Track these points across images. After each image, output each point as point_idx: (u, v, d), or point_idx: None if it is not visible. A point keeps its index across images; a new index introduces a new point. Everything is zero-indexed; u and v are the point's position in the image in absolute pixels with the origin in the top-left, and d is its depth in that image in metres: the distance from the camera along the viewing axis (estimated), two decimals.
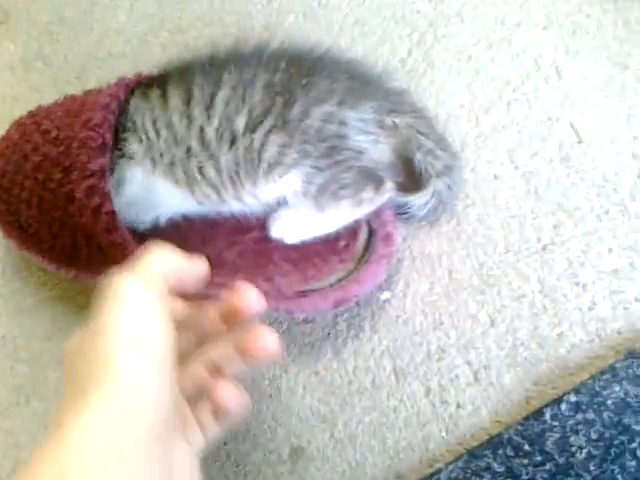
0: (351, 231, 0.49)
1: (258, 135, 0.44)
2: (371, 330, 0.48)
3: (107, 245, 0.44)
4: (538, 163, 0.50)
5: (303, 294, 0.47)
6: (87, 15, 0.71)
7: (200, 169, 0.45)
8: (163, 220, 0.50)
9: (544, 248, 0.48)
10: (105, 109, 0.45)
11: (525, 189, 0.50)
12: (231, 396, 0.33)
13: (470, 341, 0.46)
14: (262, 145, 0.44)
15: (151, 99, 0.47)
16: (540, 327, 0.46)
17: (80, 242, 0.47)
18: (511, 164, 0.51)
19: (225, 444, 0.47)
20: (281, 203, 0.48)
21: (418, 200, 0.48)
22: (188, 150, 0.45)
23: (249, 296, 0.34)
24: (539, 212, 0.49)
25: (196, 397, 0.35)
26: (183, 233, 0.51)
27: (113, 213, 0.43)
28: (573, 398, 0.41)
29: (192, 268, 0.34)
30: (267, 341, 0.33)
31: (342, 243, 0.49)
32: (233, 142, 0.45)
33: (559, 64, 0.54)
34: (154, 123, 0.46)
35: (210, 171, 0.45)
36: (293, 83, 0.45)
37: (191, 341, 0.36)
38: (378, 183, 0.46)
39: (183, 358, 0.34)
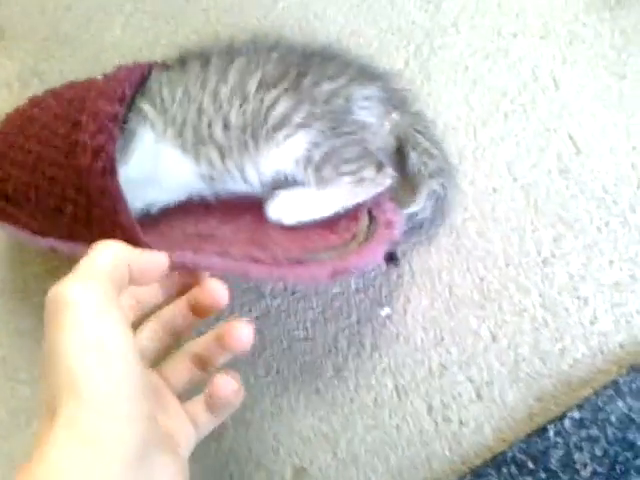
0: (351, 215, 0.47)
1: (270, 96, 0.46)
2: (372, 347, 0.47)
3: (97, 193, 0.43)
4: (537, 175, 0.50)
5: (299, 263, 0.44)
6: (83, 30, 0.71)
7: (209, 126, 0.47)
8: (155, 208, 0.50)
9: (544, 261, 0.47)
10: (130, 71, 0.49)
11: (524, 201, 0.49)
12: (228, 386, 0.34)
13: (472, 357, 0.45)
14: (272, 104, 0.46)
15: (170, 69, 0.51)
16: (542, 342, 0.45)
17: (67, 200, 0.45)
18: (510, 176, 0.50)
19: (227, 465, 0.47)
20: (278, 184, 0.48)
21: (416, 207, 0.48)
22: (200, 108, 0.47)
23: (218, 294, 0.36)
24: (539, 225, 0.48)
25: (186, 391, 0.36)
26: (173, 213, 0.51)
27: (112, 156, 0.43)
28: (576, 414, 0.41)
29: (148, 259, 0.33)
30: (242, 333, 0.34)
31: (342, 225, 0.47)
32: (244, 101, 0.46)
33: (556, 74, 0.53)
34: (170, 86, 0.48)
35: (218, 129, 0.46)
36: (307, 61, 0.49)
37: (161, 336, 0.36)
38: (380, 165, 0.47)
39: (160, 354, 0.36)
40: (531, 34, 0.55)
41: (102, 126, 0.43)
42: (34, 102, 0.52)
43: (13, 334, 0.57)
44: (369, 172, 0.46)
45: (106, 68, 0.69)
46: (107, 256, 0.31)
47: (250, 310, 0.51)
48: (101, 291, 0.28)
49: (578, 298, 0.45)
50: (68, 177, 0.45)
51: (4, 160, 0.48)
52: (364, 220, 0.48)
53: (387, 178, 0.47)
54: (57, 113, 0.48)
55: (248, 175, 0.48)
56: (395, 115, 0.50)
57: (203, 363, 0.36)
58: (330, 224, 0.47)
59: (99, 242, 0.32)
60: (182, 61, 0.52)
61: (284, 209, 0.47)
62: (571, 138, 0.50)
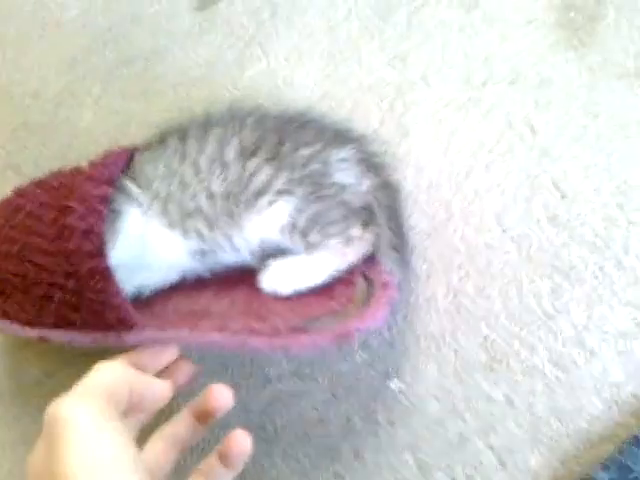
0: (347, 281, 0.47)
1: (251, 164, 0.47)
2: (387, 423, 0.46)
3: (87, 276, 0.42)
4: (526, 225, 0.49)
5: (300, 330, 0.44)
6: (52, 117, 0.69)
7: (193, 198, 0.47)
8: (147, 289, 0.49)
9: (546, 314, 0.46)
10: (117, 155, 0.49)
11: (517, 254, 0.48)
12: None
13: (489, 423, 0.44)
14: (253, 172, 0.46)
15: (149, 146, 0.51)
16: (556, 400, 0.44)
17: (56, 286, 0.44)
18: (499, 228, 0.50)
19: None
20: (268, 253, 0.47)
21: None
22: (182, 181, 0.47)
23: (222, 397, 0.36)
24: (535, 276, 0.47)
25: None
26: (165, 294, 0.50)
27: (102, 237, 0.43)
28: (605, 477, 0.40)
29: (150, 386, 0.33)
30: (243, 445, 0.35)
31: (339, 290, 0.47)
32: (224, 168, 0.47)
33: (531, 119, 0.53)
34: (151, 162, 0.49)
35: (202, 199, 0.47)
36: (284, 126, 0.49)
37: (168, 451, 0.36)
38: (365, 221, 0.47)
39: (169, 469, 0.36)
40: (500, 79, 0.55)
41: (91, 208, 0.43)
42: (18, 192, 0.51)
43: (18, 443, 0.55)
44: (356, 231, 0.46)
45: (81, 154, 0.67)
46: (107, 375, 0.31)
47: (258, 397, 0.50)
48: (99, 410, 0.28)
49: (585, 350, 0.45)
50: (56, 263, 0.44)
51: None
52: (360, 284, 0.47)
53: (374, 234, 0.47)
54: (43, 201, 0.47)
55: (237, 244, 0.47)
56: (371, 177, 0.49)
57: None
58: (327, 291, 0.46)
59: (100, 362, 0.32)
60: (161, 138, 0.52)
61: (278, 279, 0.47)
62: (554, 184, 0.50)
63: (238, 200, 0.46)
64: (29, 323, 0.46)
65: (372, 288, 0.46)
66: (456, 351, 0.47)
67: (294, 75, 0.62)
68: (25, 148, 0.68)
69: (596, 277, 0.46)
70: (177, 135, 0.50)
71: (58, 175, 0.51)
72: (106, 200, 0.44)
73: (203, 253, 0.48)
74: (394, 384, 0.47)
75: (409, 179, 0.52)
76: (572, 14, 0.56)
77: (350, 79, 0.60)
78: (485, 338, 0.46)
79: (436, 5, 0.61)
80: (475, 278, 0.48)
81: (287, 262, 0.47)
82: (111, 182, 0.46)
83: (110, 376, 0.31)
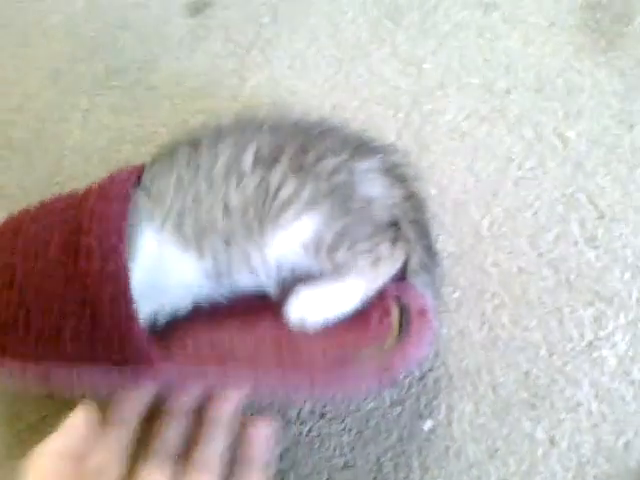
0: (381, 309, 0.41)
1: (275, 174, 0.41)
2: (421, 467, 0.41)
3: (107, 301, 0.37)
4: (563, 247, 0.44)
5: (340, 363, 0.39)
6: (37, 134, 0.62)
7: (209, 212, 0.41)
8: (163, 315, 0.43)
9: (589, 345, 0.42)
10: (128, 177, 0.43)
11: (555, 279, 0.43)
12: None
13: (532, 466, 0.39)
14: (279, 185, 0.41)
15: (160, 158, 0.45)
16: (603, 438, 0.39)
17: (68, 315, 0.38)
18: (534, 252, 0.44)
19: None
20: (286, 279, 0.42)
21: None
22: (196, 195, 0.42)
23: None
24: (576, 304, 0.42)
25: None
26: (184, 333, 0.44)
27: (125, 259, 0.38)
28: None
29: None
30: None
31: (375, 320, 0.41)
32: (241, 178, 0.42)
33: (561, 130, 0.48)
34: (162, 177, 0.43)
35: (218, 213, 0.41)
36: (305, 133, 0.44)
37: None
38: (394, 238, 0.42)
39: None
40: (525, 88, 0.49)
41: (110, 227, 0.38)
42: (16, 218, 0.44)
43: None
44: (385, 249, 0.41)
45: (70, 174, 0.61)
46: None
47: (278, 441, 0.45)
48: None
49: (632, 383, 0.40)
50: (68, 289, 0.38)
51: None
52: (395, 311, 0.42)
53: (403, 252, 0.42)
54: (47, 224, 0.41)
55: (254, 264, 0.42)
56: (397, 190, 0.44)
57: None
58: (362, 322, 0.41)
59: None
60: (171, 151, 0.45)
61: (306, 308, 0.41)
62: (591, 201, 0.45)
63: (259, 214, 0.41)
64: (30, 359, 0.39)
65: (408, 315, 0.41)
66: (494, 388, 0.42)
67: (300, 84, 0.56)
68: (9, 169, 0.60)
69: None
70: (188, 146, 0.45)
71: (61, 198, 0.44)
72: (125, 217, 0.39)
73: (219, 275, 0.42)
74: (427, 425, 0.42)
75: (433, 199, 0.47)
76: (598, 14, 0.51)
77: (361, 88, 0.54)
78: (526, 374, 0.41)
79: (451, 6, 0.55)
80: (511, 307, 0.43)
81: (315, 289, 0.41)
82: (127, 198, 0.40)
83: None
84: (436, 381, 0.43)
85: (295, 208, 0.41)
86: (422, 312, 0.41)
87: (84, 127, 0.61)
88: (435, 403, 0.42)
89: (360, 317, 0.41)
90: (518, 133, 0.48)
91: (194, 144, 0.45)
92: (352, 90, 0.53)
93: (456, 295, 0.44)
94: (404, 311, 0.42)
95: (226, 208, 0.41)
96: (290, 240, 0.41)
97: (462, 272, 0.45)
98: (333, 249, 0.41)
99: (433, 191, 0.47)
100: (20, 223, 0.43)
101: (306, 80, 0.55)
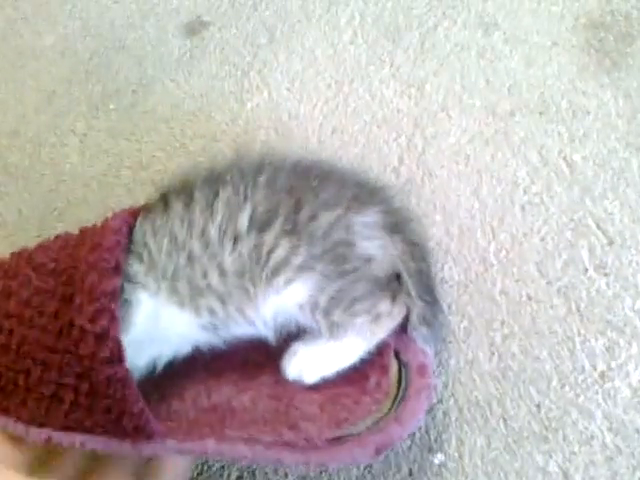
0: (380, 367, 0.40)
1: (268, 237, 0.39)
2: None
3: (103, 382, 0.36)
4: (572, 274, 0.42)
5: (337, 441, 0.38)
6: (34, 159, 0.60)
7: (204, 276, 0.39)
8: (160, 362, 0.42)
9: (602, 376, 0.40)
10: (117, 233, 0.39)
11: (565, 308, 0.42)
12: None
13: None
14: (271, 248, 0.39)
15: (153, 212, 0.42)
16: (619, 473, 0.38)
17: (66, 386, 0.37)
18: (542, 279, 0.43)
19: None
20: (285, 327, 0.40)
21: None
22: (190, 256, 0.39)
23: None
24: (587, 334, 0.41)
25: None
26: (183, 384, 0.43)
27: (119, 341, 0.36)
28: None
29: None
30: None
31: (372, 381, 0.40)
32: (236, 241, 0.39)
33: (567, 154, 0.46)
34: (155, 235, 0.41)
35: (214, 277, 0.39)
36: (301, 184, 0.41)
37: None
38: (394, 294, 0.40)
39: None
40: (529, 110, 0.48)
41: (101, 308, 0.36)
42: (6, 272, 0.41)
43: None
44: (385, 306, 0.39)
45: (69, 200, 0.59)
46: None
47: (286, 475, 0.43)
48: None
49: None
50: (65, 362, 0.36)
51: None
52: (394, 367, 0.40)
53: (404, 307, 0.40)
54: (38, 286, 0.39)
55: (252, 319, 0.40)
56: (397, 242, 0.41)
57: None
58: (359, 380, 0.40)
59: None
60: (164, 200, 0.43)
61: (303, 367, 0.40)
62: (599, 227, 0.43)
63: (253, 278, 0.39)
64: (34, 423, 0.37)
65: (407, 373, 0.40)
66: (505, 421, 0.40)
67: (300, 107, 0.54)
68: (7, 195, 0.58)
69: None
70: (182, 200, 0.42)
71: (48, 249, 0.41)
72: (116, 296, 0.37)
73: (215, 327, 0.41)
74: (438, 459, 0.40)
75: (438, 225, 0.45)
76: (601, 34, 0.50)
77: (362, 111, 0.52)
78: (538, 406, 0.40)
79: (451, 26, 0.54)
80: (520, 337, 0.41)
81: (312, 347, 0.40)
82: (118, 270, 0.38)
83: None
84: (445, 413, 0.41)
85: (287, 273, 0.39)
86: (421, 369, 0.39)
87: (82, 152, 0.59)
88: (445, 436, 0.41)
89: (357, 376, 0.40)
90: (523, 157, 0.46)
91: (187, 198, 0.42)
92: (352, 113, 0.52)
93: (464, 324, 0.43)
94: (403, 368, 0.40)
95: (222, 271, 0.39)
96: (284, 304, 0.39)
97: (470, 300, 0.43)
98: (328, 312, 0.39)
99: (438, 217, 0.46)
100: (10, 281, 0.40)
101: (305, 102, 0.54)
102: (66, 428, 0.37)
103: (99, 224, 0.42)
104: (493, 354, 0.42)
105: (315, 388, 0.40)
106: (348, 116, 0.52)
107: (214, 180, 0.42)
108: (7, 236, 0.57)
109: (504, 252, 0.44)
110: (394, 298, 0.40)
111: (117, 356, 0.36)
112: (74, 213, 0.56)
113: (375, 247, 0.40)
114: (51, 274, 0.39)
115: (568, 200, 0.44)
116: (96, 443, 0.36)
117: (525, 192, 0.45)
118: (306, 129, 0.52)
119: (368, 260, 0.40)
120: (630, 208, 0.43)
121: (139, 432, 0.35)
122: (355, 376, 0.40)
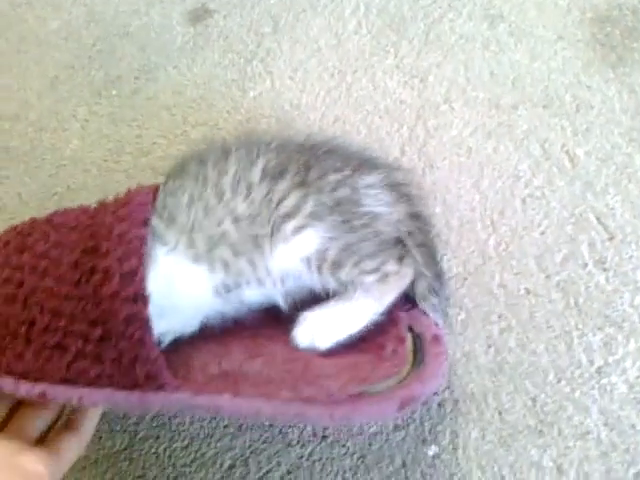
0: (395, 337, 0.40)
1: (280, 187, 0.41)
2: None
3: (123, 323, 0.36)
4: (571, 269, 0.41)
5: (359, 397, 0.36)
6: (35, 143, 0.59)
7: (219, 224, 0.41)
8: (168, 337, 0.42)
9: (599, 371, 0.40)
10: (146, 195, 0.41)
11: (564, 302, 0.41)
12: None
13: None
14: (282, 197, 0.41)
15: (171, 179, 0.44)
16: (613, 468, 0.37)
17: (73, 334, 0.37)
18: (542, 273, 0.42)
19: None
20: (296, 296, 0.41)
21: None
22: (206, 207, 0.41)
23: None
24: (585, 328, 0.40)
25: None
26: (190, 354, 0.42)
27: (144, 281, 0.36)
28: None
29: None
30: None
31: (389, 349, 0.40)
32: (249, 190, 0.41)
33: (569, 148, 0.46)
34: (173, 193, 0.42)
35: (228, 223, 0.41)
36: (309, 152, 0.43)
37: None
38: (400, 254, 0.40)
39: None
40: (532, 104, 0.47)
41: (132, 249, 0.37)
42: (20, 232, 0.42)
43: None
44: (392, 266, 0.40)
45: (69, 185, 0.58)
46: None
47: (279, 463, 0.43)
48: None
49: None
50: (80, 309, 0.37)
51: None
52: (409, 339, 0.40)
53: (410, 269, 0.40)
54: (57, 240, 0.40)
55: (260, 275, 0.40)
56: (402, 206, 0.42)
57: None
58: (375, 350, 0.40)
59: None
60: (180, 167, 0.44)
61: (314, 332, 0.39)
62: (600, 221, 0.43)
63: (264, 223, 0.40)
64: (28, 377, 0.37)
65: (422, 344, 0.39)
66: (500, 414, 0.40)
67: (302, 97, 0.53)
68: (7, 179, 0.58)
69: None
70: (196, 162, 0.44)
71: (68, 214, 0.42)
72: (144, 241, 0.38)
73: (228, 289, 0.41)
74: (432, 450, 0.40)
75: (438, 217, 0.45)
76: (608, 28, 0.49)
77: (365, 102, 0.51)
78: (533, 400, 0.39)
79: (456, 17, 0.53)
80: (518, 331, 0.41)
81: (322, 312, 0.40)
82: (146, 223, 0.39)
83: None
84: (441, 405, 0.41)
85: (296, 221, 0.40)
86: (436, 339, 0.39)
87: (83, 137, 0.58)
88: (440, 428, 0.40)
89: (374, 344, 0.40)
90: (525, 150, 0.45)
91: (201, 160, 0.43)
92: (355, 103, 0.51)
93: (462, 317, 0.42)
94: (418, 340, 0.40)
95: (235, 218, 0.41)
96: (291, 254, 0.39)
97: (468, 293, 0.42)
98: (337, 266, 0.39)
99: (438, 209, 0.45)
100: (24, 238, 0.41)
101: (308, 92, 0.53)
102: (65, 381, 0.36)
103: (121, 196, 0.43)
104: (490, 347, 0.41)
105: (330, 356, 0.39)
106: (350, 106, 0.51)
107: (226, 147, 0.44)
108: (6, 220, 0.56)
109: (503, 245, 0.43)
110: (401, 259, 0.40)
111: (141, 295, 0.36)
112: (74, 198, 0.56)
113: (380, 205, 0.42)
114: (72, 230, 0.40)
115: (569, 194, 0.43)
116: (98, 396, 0.35)
117: (526, 185, 0.44)
118: (308, 118, 0.52)
119: (374, 217, 0.41)
120: (631, 203, 0.42)
121: (151, 381, 0.35)
122: (371, 346, 0.40)
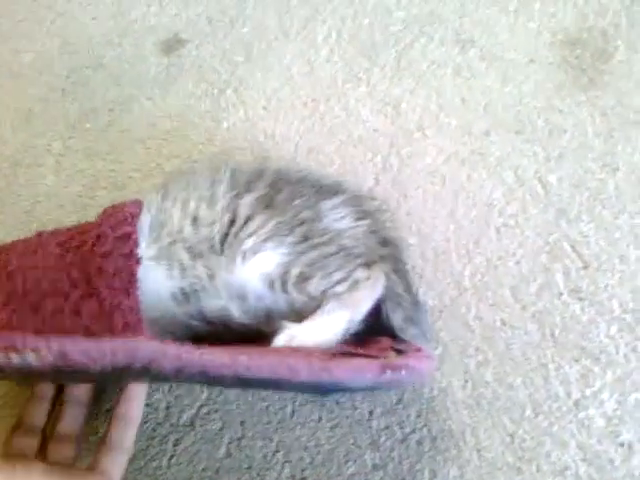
0: (378, 349, 0.38)
1: (245, 202, 0.42)
2: None
3: (109, 274, 0.38)
4: (547, 299, 0.41)
5: (345, 355, 0.36)
6: (10, 179, 0.59)
7: (179, 222, 0.43)
8: None
9: (576, 404, 0.39)
10: (133, 205, 0.43)
11: (540, 333, 0.41)
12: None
13: None
14: (246, 215, 0.41)
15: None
16: None
17: (55, 294, 0.38)
18: (517, 304, 0.42)
19: None
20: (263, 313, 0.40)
21: None
22: (169, 211, 0.43)
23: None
24: (561, 361, 0.40)
25: None
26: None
27: (138, 244, 0.40)
28: None
29: None
30: None
31: (372, 353, 0.38)
32: (212, 201, 0.43)
33: (542, 174, 0.45)
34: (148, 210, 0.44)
35: (187, 223, 0.42)
36: (282, 177, 0.44)
37: None
38: (369, 263, 0.40)
39: None
40: (505, 129, 0.47)
41: (126, 218, 0.41)
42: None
43: None
44: (361, 272, 0.39)
45: (44, 222, 0.58)
46: None
47: (276, 452, 0.42)
48: None
49: (621, 445, 0.37)
50: (65, 272, 0.39)
51: None
52: (391, 354, 0.39)
53: (381, 273, 0.40)
54: (53, 231, 0.44)
55: (218, 285, 0.40)
56: (367, 224, 0.42)
57: None
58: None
59: None
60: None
61: (292, 342, 0.38)
62: (575, 250, 0.42)
63: (223, 232, 0.42)
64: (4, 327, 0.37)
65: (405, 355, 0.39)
66: (479, 451, 0.39)
67: (276, 126, 0.53)
68: None
69: (629, 360, 0.39)
70: (160, 193, 0.45)
71: (58, 231, 0.45)
72: (138, 213, 0.42)
73: (185, 295, 0.41)
74: None
75: (413, 249, 0.44)
76: (578, 50, 0.49)
77: (338, 131, 0.51)
78: (511, 436, 0.39)
79: (427, 43, 0.53)
80: (494, 364, 0.40)
81: (300, 325, 0.39)
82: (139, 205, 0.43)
83: None
84: (419, 443, 0.40)
85: (257, 238, 0.40)
86: (419, 349, 0.38)
87: (58, 172, 0.58)
88: (418, 467, 0.40)
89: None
90: (499, 177, 0.45)
91: (165, 189, 0.44)
92: (328, 132, 0.51)
93: (438, 351, 0.42)
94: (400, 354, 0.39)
95: (194, 219, 0.42)
96: (249, 269, 0.40)
97: (444, 326, 0.42)
98: (304, 279, 0.39)
99: (413, 240, 0.45)
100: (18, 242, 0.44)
101: (281, 122, 0.53)
102: (48, 326, 0.38)
103: None
104: (467, 382, 0.41)
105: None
106: (324, 136, 0.51)
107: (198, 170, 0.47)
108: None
109: (479, 276, 0.43)
110: (369, 265, 0.40)
111: (134, 253, 0.39)
112: None
113: (342, 222, 0.42)
114: (66, 230, 0.44)
115: (543, 222, 0.43)
116: (71, 345, 0.34)
117: (500, 214, 0.44)
118: (282, 148, 0.51)
119: (337, 234, 0.41)
120: (606, 230, 0.42)
121: (127, 330, 0.36)
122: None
